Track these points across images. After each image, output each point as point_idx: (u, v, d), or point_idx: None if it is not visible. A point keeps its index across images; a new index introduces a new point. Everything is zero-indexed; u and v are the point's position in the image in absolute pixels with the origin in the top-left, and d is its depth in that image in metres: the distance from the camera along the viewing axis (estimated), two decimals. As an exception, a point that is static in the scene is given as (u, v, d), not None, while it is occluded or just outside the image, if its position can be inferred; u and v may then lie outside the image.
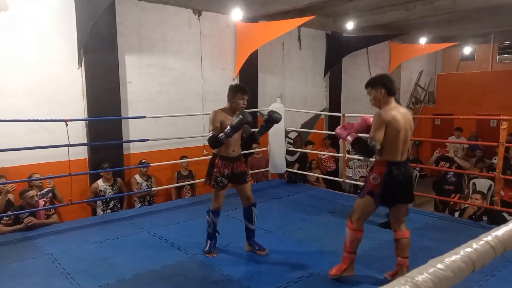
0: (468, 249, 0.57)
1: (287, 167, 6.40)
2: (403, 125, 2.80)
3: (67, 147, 4.39)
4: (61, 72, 5.42)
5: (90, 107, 5.58)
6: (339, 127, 3.15)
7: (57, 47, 5.38)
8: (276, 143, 6.21)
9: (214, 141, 3.31)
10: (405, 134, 2.82)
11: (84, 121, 5.60)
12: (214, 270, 3.25)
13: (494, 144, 4.61)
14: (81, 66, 5.54)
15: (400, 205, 2.97)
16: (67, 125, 4.32)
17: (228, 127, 3.26)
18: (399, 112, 2.81)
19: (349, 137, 2.94)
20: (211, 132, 3.33)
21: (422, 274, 0.51)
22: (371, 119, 2.96)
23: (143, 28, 6.15)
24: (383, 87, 2.84)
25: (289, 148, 6.98)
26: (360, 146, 2.84)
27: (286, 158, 6.43)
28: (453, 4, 7.04)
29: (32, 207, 4.33)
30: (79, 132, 5.48)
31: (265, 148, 6.56)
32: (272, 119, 3.50)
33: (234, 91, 3.46)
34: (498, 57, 11.68)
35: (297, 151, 7.54)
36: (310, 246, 3.74)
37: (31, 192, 4.36)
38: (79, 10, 5.38)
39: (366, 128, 3.05)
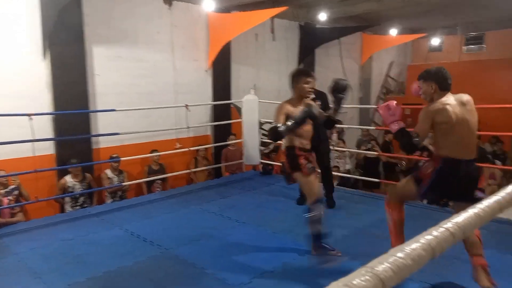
0: (428, 237, 0.57)
1: (261, 158, 6.40)
2: (459, 117, 2.53)
3: (32, 143, 4.22)
4: (25, 64, 5.19)
5: (56, 100, 5.37)
6: (384, 105, 2.77)
7: (21, 38, 5.14)
8: (250, 134, 6.19)
9: (273, 132, 2.94)
10: (466, 127, 2.55)
11: (50, 115, 5.39)
12: (188, 264, 3.22)
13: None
14: (46, 58, 5.31)
15: (459, 203, 2.63)
16: (31, 119, 4.15)
17: (291, 120, 2.92)
18: (453, 103, 2.55)
19: (393, 125, 2.65)
20: (273, 123, 3.00)
21: (383, 263, 0.50)
22: (394, 104, 2.72)
23: (112, 19, 5.95)
24: (434, 81, 2.63)
25: (264, 140, 6.98)
26: (404, 141, 2.58)
27: (260, 149, 6.43)
28: (422, -5, 7.19)
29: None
30: (44, 127, 5.27)
31: (240, 140, 6.53)
32: (341, 86, 3.14)
33: (296, 75, 3.14)
34: (465, 48, 12.05)
35: (271, 143, 7.55)
36: (285, 237, 3.76)
37: None
38: (44, 0, 5.14)
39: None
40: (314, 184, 3.10)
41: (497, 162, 7.11)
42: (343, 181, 6.85)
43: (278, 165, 7.14)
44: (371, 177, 6.24)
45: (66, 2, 4.91)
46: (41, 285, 2.92)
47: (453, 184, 2.59)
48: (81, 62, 5.58)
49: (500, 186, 6.57)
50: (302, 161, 3.06)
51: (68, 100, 5.42)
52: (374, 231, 3.84)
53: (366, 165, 7.65)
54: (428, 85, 2.67)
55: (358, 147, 8.24)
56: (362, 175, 7.29)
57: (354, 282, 0.46)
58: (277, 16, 7.75)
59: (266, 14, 6.95)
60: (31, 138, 4.19)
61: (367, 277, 0.47)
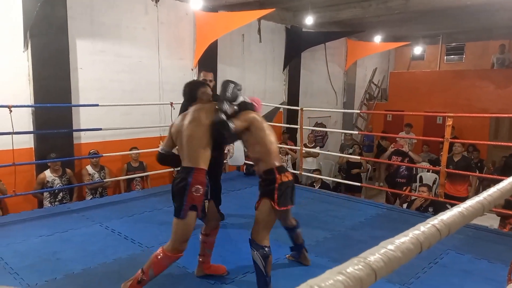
0: (416, 232, 0.60)
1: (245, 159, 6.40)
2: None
3: (10, 135, 4.11)
4: (4, 55, 5.05)
5: (36, 93, 5.25)
6: None
7: (0, 28, 5.00)
8: (235, 135, 6.19)
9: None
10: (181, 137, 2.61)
11: (30, 108, 5.26)
12: (169, 262, 3.19)
13: (440, 139, 4.90)
14: (27, 49, 5.19)
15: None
16: (10, 111, 4.05)
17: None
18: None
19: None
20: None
21: (374, 254, 0.53)
22: None
23: (96, 12, 5.86)
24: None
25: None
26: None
27: (244, 150, 6.43)
28: (406, 5, 7.35)
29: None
30: (24, 120, 5.15)
31: (223, 140, 6.51)
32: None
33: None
34: (445, 57, 12.39)
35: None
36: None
37: None
38: (26, -11, 5.03)
39: None
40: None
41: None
42: (325, 185, 6.94)
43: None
44: (353, 181, 6.31)
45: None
46: (18, 281, 2.85)
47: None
48: (63, 55, 5.47)
49: (477, 193, 6.80)
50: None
51: (49, 94, 5.30)
52: (353, 234, 3.91)
53: (348, 169, 7.75)
54: None
55: (342, 151, 8.37)
56: (344, 179, 7.39)
57: (348, 270, 0.48)
58: (264, 17, 7.79)
59: (253, 15, 6.97)
60: (10, 131, 4.08)
61: (360, 266, 0.49)
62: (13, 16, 5.05)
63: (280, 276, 3.01)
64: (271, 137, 2.72)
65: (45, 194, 5.10)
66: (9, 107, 4.07)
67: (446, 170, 4.77)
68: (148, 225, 4.06)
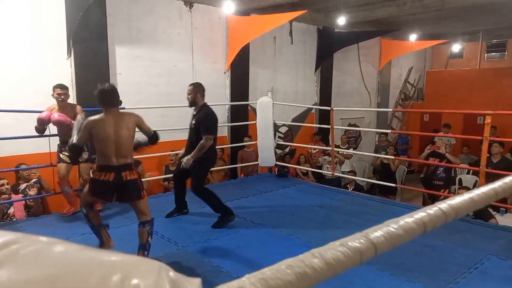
0: (422, 213, 0.62)
1: (277, 160, 6.44)
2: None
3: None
4: (49, 62, 5.39)
5: (79, 97, 5.55)
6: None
7: (46, 36, 5.34)
8: (265, 136, 6.24)
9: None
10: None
11: (74, 112, 5.56)
12: (204, 261, 3.28)
13: (479, 138, 4.70)
14: (70, 56, 5.51)
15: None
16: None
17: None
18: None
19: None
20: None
21: (376, 231, 0.55)
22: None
23: (134, 19, 6.12)
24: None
25: (279, 143, 7.02)
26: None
27: (276, 152, 6.47)
28: (442, 1, 7.13)
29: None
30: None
31: (255, 142, 6.59)
32: None
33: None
34: (486, 55, 11.84)
35: (288, 145, 7.58)
36: (299, 239, 3.78)
37: (1, 181, 4.37)
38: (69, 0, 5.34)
39: None
40: None
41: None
42: (358, 187, 6.85)
43: (293, 167, 7.18)
44: (388, 183, 6.18)
45: (90, 2, 5.09)
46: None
47: None
48: (103, 61, 5.76)
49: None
50: None
51: (91, 98, 5.53)
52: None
53: (382, 171, 7.60)
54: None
55: (376, 153, 8.21)
56: (379, 181, 7.25)
57: (350, 243, 0.51)
58: (296, 19, 7.81)
59: (284, 17, 7.02)
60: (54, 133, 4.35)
61: (361, 240, 0.52)
62: (58, 26, 5.38)
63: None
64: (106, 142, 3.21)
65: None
66: (55, 111, 4.34)
67: (486, 170, 4.57)
68: (183, 225, 4.18)
